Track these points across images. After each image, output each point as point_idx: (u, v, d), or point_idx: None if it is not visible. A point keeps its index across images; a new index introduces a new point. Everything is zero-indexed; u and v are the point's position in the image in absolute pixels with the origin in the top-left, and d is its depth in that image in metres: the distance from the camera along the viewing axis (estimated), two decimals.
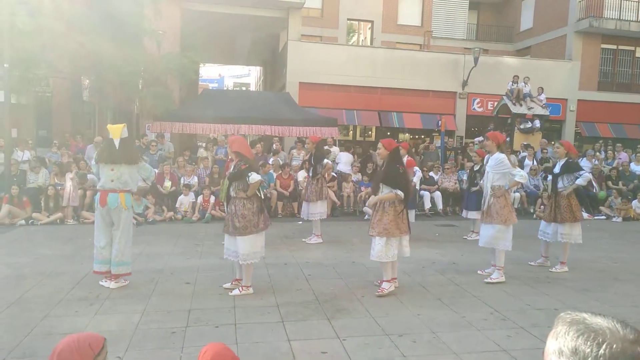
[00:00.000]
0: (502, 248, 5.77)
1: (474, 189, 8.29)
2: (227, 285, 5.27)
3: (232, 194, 5.01)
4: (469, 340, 4.05)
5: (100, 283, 5.28)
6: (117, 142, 5.21)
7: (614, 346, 0.89)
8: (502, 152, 5.85)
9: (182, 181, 10.53)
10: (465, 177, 10.32)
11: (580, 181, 6.29)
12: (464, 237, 8.64)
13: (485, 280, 5.79)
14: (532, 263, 6.68)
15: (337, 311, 4.65)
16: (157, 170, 10.46)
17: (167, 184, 10.21)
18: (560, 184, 6.42)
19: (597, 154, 13.89)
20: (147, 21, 12.36)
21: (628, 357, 0.88)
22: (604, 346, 0.89)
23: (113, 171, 5.17)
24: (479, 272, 6.11)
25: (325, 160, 7.86)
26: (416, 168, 8.16)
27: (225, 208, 5.26)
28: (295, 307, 4.74)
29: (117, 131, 5.22)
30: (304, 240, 7.93)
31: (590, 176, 6.60)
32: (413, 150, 13.14)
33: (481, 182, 8.17)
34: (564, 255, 6.43)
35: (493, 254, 5.95)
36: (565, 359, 0.93)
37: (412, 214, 8.17)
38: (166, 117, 12.30)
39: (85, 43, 10.23)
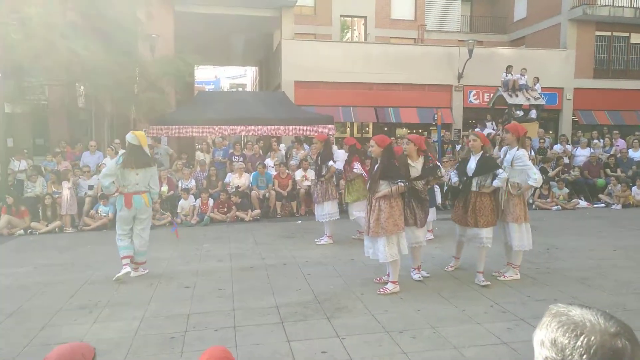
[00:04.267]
0: (518, 248, 5.52)
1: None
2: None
3: (421, 187, 5.36)
4: (469, 334, 4.05)
5: (122, 272, 5.73)
6: (147, 150, 5.96)
7: (592, 338, 0.90)
8: (523, 146, 5.55)
9: (179, 185, 10.52)
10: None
11: (497, 183, 5.33)
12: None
13: (499, 277, 5.60)
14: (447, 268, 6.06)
15: (337, 310, 4.65)
16: None
17: (164, 188, 10.20)
18: (474, 184, 5.42)
19: (596, 141, 13.87)
20: (140, 25, 12.34)
21: (606, 350, 0.89)
22: (581, 338, 0.91)
23: (138, 175, 5.77)
24: (494, 273, 5.75)
25: (330, 163, 7.63)
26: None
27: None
28: (294, 307, 4.74)
29: (144, 139, 5.88)
30: (315, 240, 7.80)
31: (505, 176, 5.34)
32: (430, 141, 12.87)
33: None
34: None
35: (506, 251, 5.75)
36: (546, 350, 0.95)
37: (432, 211, 8.03)
38: (162, 121, 12.29)
39: (78, 50, 10.20)
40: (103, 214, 9.40)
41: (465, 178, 5.50)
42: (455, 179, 5.70)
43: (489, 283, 5.37)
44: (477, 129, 15.05)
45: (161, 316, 4.54)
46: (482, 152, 5.47)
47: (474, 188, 5.40)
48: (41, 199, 9.36)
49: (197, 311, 4.66)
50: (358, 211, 7.47)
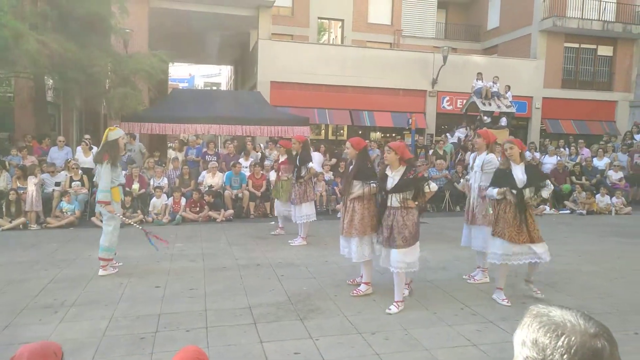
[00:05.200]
0: (486, 250, 5.47)
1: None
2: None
3: (396, 204, 4.67)
4: (440, 336, 4.11)
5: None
6: (103, 146, 5.93)
7: (572, 339, 0.92)
8: (492, 151, 5.60)
9: (151, 183, 10.33)
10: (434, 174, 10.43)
11: (546, 193, 5.06)
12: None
13: (469, 281, 5.69)
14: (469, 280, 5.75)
15: (310, 311, 4.64)
16: (125, 172, 10.26)
17: (135, 186, 10.01)
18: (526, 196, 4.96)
19: (562, 150, 14.31)
20: (113, 19, 12.07)
21: (586, 350, 0.91)
22: (562, 338, 0.92)
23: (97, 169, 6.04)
24: (464, 277, 5.86)
25: (310, 164, 7.65)
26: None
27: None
28: (267, 308, 4.71)
29: (105, 135, 5.97)
30: (289, 242, 7.77)
31: (552, 187, 5.18)
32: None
33: (465, 181, 8.23)
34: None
35: (477, 254, 5.81)
36: (527, 350, 0.96)
37: None
38: (135, 118, 12.05)
39: (48, 42, 9.91)
40: (69, 212, 9.15)
41: (515, 190, 4.92)
42: (492, 192, 5.03)
43: (542, 295, 5.03)
44: (447, 134, 15.35)
45: (131, 316, 4.44)
46: (524, 161, 5.04)
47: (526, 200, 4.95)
48: (5, 195, 9.03)
49: (168, 311, 4.57)
50: (287, 209, 8.11)
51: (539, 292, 5.12)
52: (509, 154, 5.02)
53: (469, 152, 12.35)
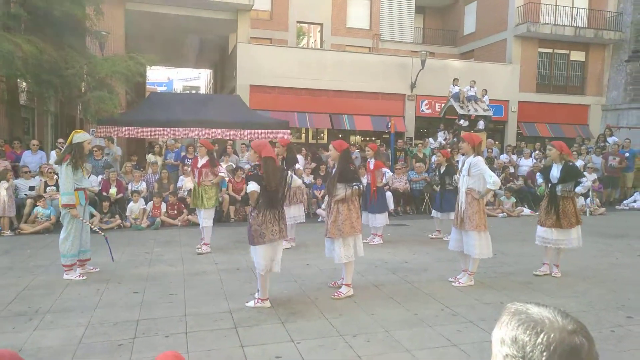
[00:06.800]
0: (478, 256, 5.60)
1: (450, 188, 8.34)
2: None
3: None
4: (421, 337, 4.13)
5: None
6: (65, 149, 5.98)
7: (552, 335, 0.92)
8: (478, 154, 5.69)
9: (129, 187, 10.17)
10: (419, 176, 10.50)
11: (579, 189, 5.92)
12: (430, 235, 8.74)
13: (454, 284, 5.68)
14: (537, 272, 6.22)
15: (291, 314, 4.62)
16: (102, 177, 10.10)
17: (113, 190, 9.84)
18: (558, 189, 5.95)
19: (537, 152, 14.58)
20: (89, 21, 11.88)
21: (565, 346, 0.91)
22: (541, 335, 0.92)
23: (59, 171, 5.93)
24: (450, 279, 5.84)
25: (297, 166, 7.58)
26: (385, 169, 8.12)
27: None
28: (248, 312, 4.67)
29: (69, 137, 5.93)
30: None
31: (589, 184, 6.17)
32: (383, 149, 13.17)
33: (451, 182, 8.31)
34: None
35: (462, 258, 5.83)
36: (507, 348, 0.96)
37: (384, 216, 8.20)
38: (112, 122, 11.86)
39: (21, 43, 9.69)
40: (44, 218, 8.94)
41: (550, 185, 6.04)
42: (540, 181, 6.57)
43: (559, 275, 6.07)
44: (429, 139, 15.51)
45: (108, 322, 4.35)
46: (564, 161, 5.89)
47: (558, 193, 5.92)
48: None
49: (146, 317, 4.50)
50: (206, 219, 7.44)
51: (558, 273, 6.13)
52: (547, 155, 6.25)
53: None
